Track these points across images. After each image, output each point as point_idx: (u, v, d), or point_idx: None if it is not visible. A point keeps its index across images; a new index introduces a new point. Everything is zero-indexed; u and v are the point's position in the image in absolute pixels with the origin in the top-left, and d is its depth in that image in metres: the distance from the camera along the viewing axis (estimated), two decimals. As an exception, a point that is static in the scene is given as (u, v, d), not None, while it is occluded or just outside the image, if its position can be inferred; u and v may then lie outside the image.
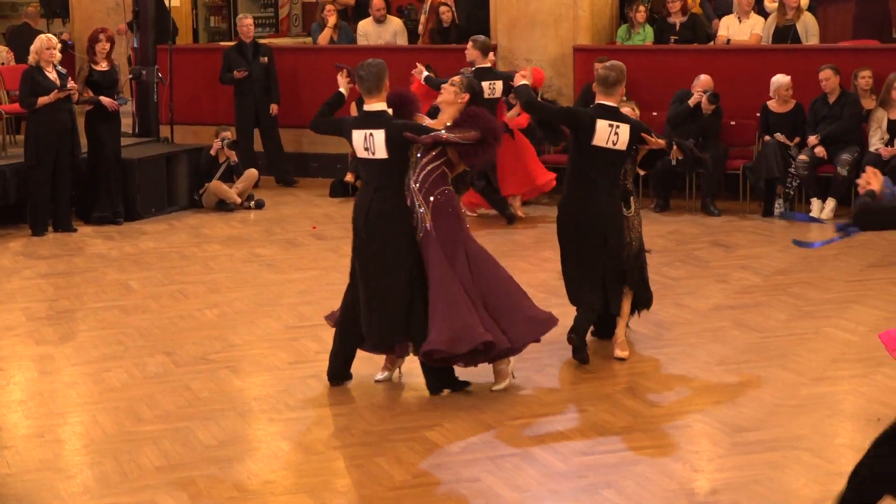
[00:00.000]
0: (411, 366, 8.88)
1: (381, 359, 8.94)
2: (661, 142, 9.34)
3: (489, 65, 14.46)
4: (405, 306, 8.48)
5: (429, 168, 8.51)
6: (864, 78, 14.60)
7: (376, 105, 8.54)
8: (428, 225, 8.48)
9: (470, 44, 14.44)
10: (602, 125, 9.03)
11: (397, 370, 8.91)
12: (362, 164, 8.69)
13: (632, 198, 9.48)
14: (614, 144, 9.03)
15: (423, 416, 8.16)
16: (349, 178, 16.19)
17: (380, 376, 8.87)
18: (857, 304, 10.63)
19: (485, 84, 13.30)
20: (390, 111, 8.56)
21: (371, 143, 8.43)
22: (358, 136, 8.50)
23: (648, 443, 7.67)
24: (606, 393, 8.50)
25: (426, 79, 13.84)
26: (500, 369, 8.68)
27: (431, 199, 8.50)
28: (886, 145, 13.99)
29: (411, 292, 8.47)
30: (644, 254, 9.61)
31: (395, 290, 8.47)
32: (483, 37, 14.89)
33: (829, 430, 7.80)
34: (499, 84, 14.07)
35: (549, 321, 8.81)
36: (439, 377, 8.61)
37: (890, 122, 14.07)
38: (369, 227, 8.52)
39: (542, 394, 8.53)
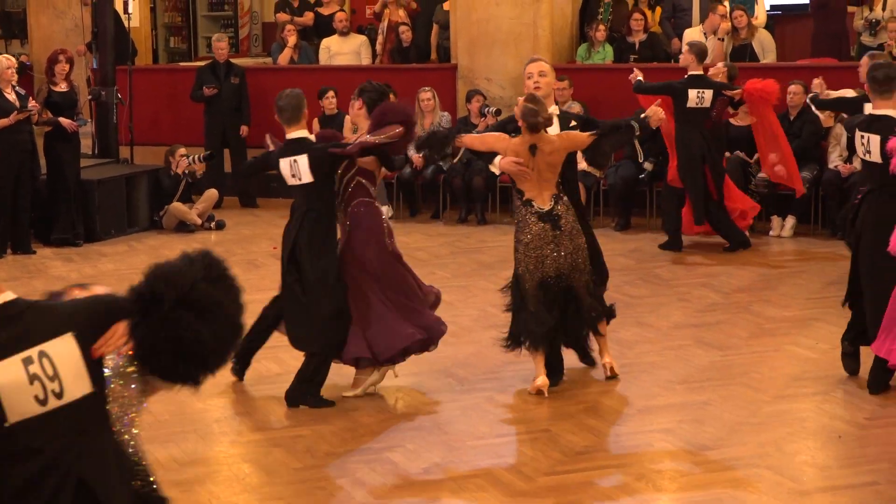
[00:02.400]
0: (392, 383, 8.87)
1: (343, 378, 8.93)
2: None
3: (701, 72, 13.72)
4: (333, 317, 8.71)
5: (345, 181, 8.84)
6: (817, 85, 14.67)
7: (297, 133, 8.85)
8: (347, 237, 8.82)
9: (686, 48, 13.76)
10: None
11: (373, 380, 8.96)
12: (292, 191, 8.88)
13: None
14: None
15: (386, 438, 8.14)
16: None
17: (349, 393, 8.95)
18: (817, 321, 10.67)
19: (692, 92, 13.12)
20: (312, 138, 8.88)
21: (297, 169, 8.70)
22: (284, 164, 8.77)
23: (611, 462, 7.67)
24: (569, 412, 8.50)
25: None
26: (357, 378, 8.93)
27: (349, 210, 8.83)
28: (845, 162, 14.06)
29: (336, 304, 8.72)
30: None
31: (324, 303, 8.70)
32: (701, 42, 14.47)
33: (791, 448, 7.81)
34: (708, 94, 13.49)
35: (412, 335, 8.81)
36: (301, 392, 8.77)
37: (849, 138, 14.13)
38: (300, 248, 8.74)
39: (505, 413, 8.52)
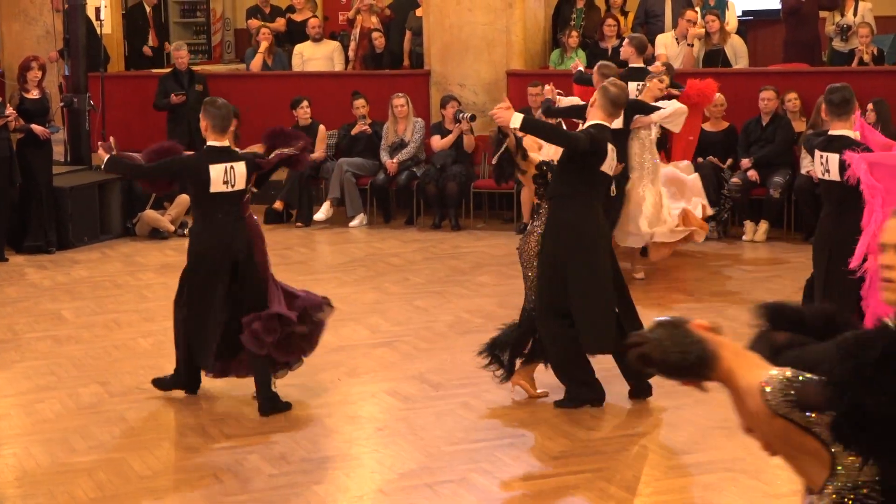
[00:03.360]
0: (348, 393, 8.87)
1: (315, 384, 8.92)
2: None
3: (642, 65, 13.54)
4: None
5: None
6: (791, 101, 14.76)
7: (225, 141, 9.05)
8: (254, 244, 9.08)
9: (626, 41, 13.58)
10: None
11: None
12: (219, 198, 8.90)
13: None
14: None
15: (361, 443, 8.14)
16: (278, 205, 16.16)
17: None
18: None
19: (632, 85, 12.34)
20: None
21: (231, 176, 8.86)
22: (217, 170, 8.87)
23: (586, 467, 7.67)
24: (545, 417, 8.50)
25: None
26: None
27: (247, 218, 9.06)
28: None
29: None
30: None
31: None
32: (641, 35, 14.38)
33: (764, 453, 7.80)
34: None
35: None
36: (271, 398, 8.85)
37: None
38: (242, 253, 8.93)
39: (479, 419, 8.52)
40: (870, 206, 8.29)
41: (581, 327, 8.58)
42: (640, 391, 8.79)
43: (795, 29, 16.71)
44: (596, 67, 12.20)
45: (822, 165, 8.86)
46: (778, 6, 17.19)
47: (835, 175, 8.73)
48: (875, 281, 7.87)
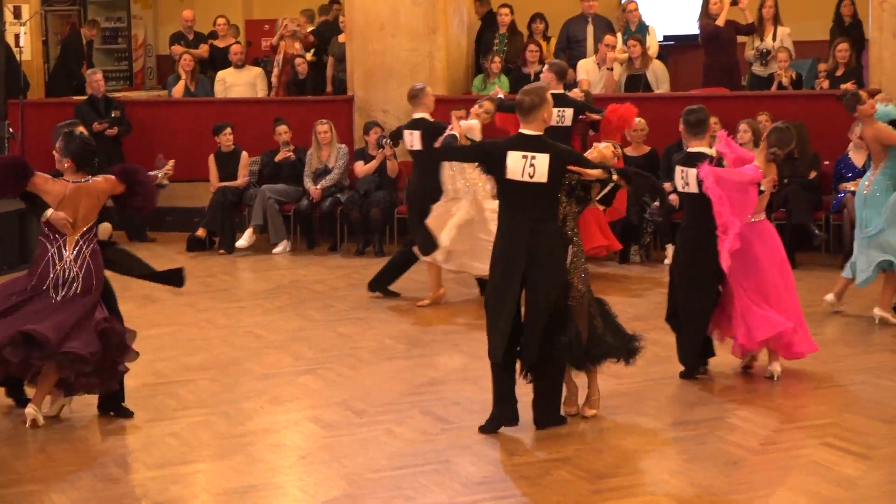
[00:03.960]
0: (272, 421, 8.82)
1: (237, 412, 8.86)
2: (596, 172, 8.60)
3: (562, 90, 13.62)
4: None
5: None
6: (712, 125, 14.83)
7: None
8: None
9: (546, 67, 13.63)
10: (514, 156, 8.54)
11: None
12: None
13: (570, 247, 8.73)
14: (531, 177, 8.49)
15: (284, 471, 8.08)
16: (200, 233, 16.08)
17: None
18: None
19: (553, 110, 12.09)
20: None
21: None
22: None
23: (511, 492, 7.67)
24: (467, 443, 8.49)
25: None
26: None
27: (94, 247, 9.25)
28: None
29: None
30: (595, 305, 9.05)
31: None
32: (561, 61, 14.42)
33: (688, 475, 7.86)
34: (569, 112, 13.46)
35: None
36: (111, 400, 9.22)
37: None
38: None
39: (403, 446, 8.49)
40: (719, 214, 9.47)
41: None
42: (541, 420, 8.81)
43: (714, 54, 16.86)
44: (546, 64, 12.35)
45: (682, 179, 9.77)
46: (698, 31, 17.33)
47: (693, 188, 9.66)
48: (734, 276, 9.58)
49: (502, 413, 8.71)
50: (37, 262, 9.12)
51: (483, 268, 10.93)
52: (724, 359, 10.40)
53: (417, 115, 12.86)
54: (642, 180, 8.95)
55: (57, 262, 9.04)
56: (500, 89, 13.91)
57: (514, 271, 8.55)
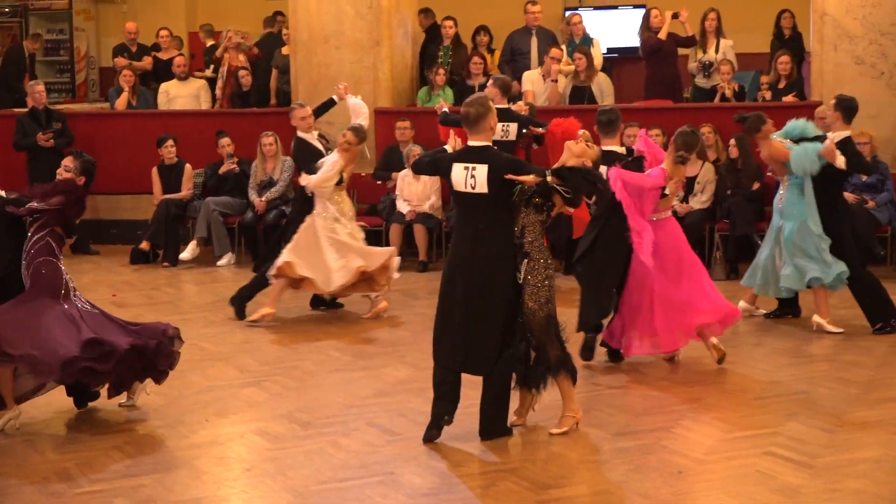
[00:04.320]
0: (217, 434, 8.77)
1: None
2: (530, 178, 8.51)
3: (506, 105, 13.58)
4: None
5: (34, 239, 9.24)
6: (655, 137, 14.95)
7: None
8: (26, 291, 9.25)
9: (490, 81, 13.44)
10: (457, 168, 8.66)
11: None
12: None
13: (525, 260, 8.60)
14: (472, 188, 8.58)
15: (230, 484, 8.05)
16: (144, 245, 16.01)
17: None
18: (657, 358, 10.81)
19: (497, 126, 12.00)
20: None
21: None
22: None
23: (457, 503, 7.67)
24: (413, 455, 8.48)
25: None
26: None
27: (31, 268, 9.20)
28: (682, 202, 14.31)
29: None
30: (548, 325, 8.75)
31: None
32: (505, 76, 14.38)
33: (633, 485, 7.89)
34: (513, 127, 13.39)
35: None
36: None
37: (688, 179, 14.41)
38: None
39: (349, 458, 8.48)
40: (630, 218, 10.13)
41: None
42: None
43: (656, 67, 16.96)
44: (490, 79, 12.36)
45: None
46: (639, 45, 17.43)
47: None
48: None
49: (440, 409, 8.72)
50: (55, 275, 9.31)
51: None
52: (667, 369, 10.47)
53: None
54: (579, 178, 8.63)
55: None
56: (444, 102, 13.92)
57: (458, 280, 8.62)
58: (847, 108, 11.92)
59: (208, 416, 9.49)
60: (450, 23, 17.72)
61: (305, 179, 12.40)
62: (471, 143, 8.72)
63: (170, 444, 8.85)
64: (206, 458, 8.58)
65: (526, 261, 8.56)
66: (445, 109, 13.45)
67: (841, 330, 11.68)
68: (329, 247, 12.31)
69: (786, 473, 7.92)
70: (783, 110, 15.40)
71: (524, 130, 13.46)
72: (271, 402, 9.82)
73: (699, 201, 14.36)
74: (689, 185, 14.45)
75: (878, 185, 14.13)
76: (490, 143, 8.69)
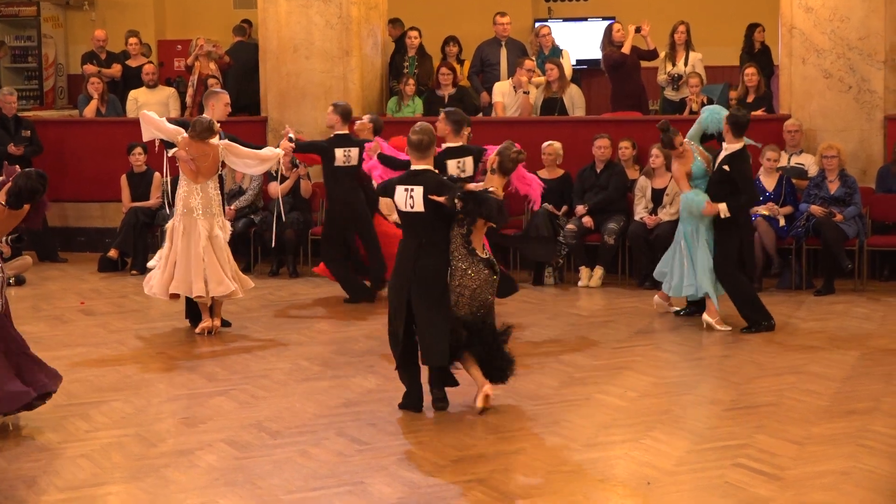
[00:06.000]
0: (185, 442, 8.74)
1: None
2: (442, 199, 9.44)
3: (347, 131, 13.89)
4: None
5: None
6: (624, 149, 15.06)
7: None
8: None
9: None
10: (399, 190, 9.60)
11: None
12: None
13: (449, 268, 9.58)
14: (412, 207, 9.52)
15: (197, 493, 8.01)
16: (112, 253, 15.97)
17: None
18: (626, 369, 10.85)
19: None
20: None
21: None
22: None
23: (425, 513, 7.67)
24: (383, 464, 8.47)
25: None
26: None
27: None
28: (651, 214, 14.36)
29: None
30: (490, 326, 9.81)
31: None
32: (346, 104, 14.18)
33: (601, 496, 7.90)
34: (354, 152, 13.64)
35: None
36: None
37: (654, 191, 14.47)
38: None
39: (318, 467, 8.46)
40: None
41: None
42: None
43: (620, 82, 16.99)
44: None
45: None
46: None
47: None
48: None
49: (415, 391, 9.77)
50: None
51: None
52: (635, 380, 10.49)
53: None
54: (476, 205, 9.42)
55: None
56: (290, 129, 13.79)
57: (403, 288, 9.58)
58: (736, 123, 12.26)
59: (176, 424, 9.46)
60: (414, 33, 17.74)
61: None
62: (414, 167, 9.67)
63: (137, 452, 8.81)
64: (174, 467, 8.54)
65: (450, 268, 9.56)
66: (292, 135, 13.33)
67: (729, 328, 12.30)
68: None
69: (755, 485, 7.94)
70: (753, 124, 15.46)
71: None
72: (240, 411, 9.79)
73: (668, 213, 14.39)
74: (657, 197, 14.50)
75: (845, 198, 14.20)
76: (430, 168, 9.64)
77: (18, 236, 15.27)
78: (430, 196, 9.42)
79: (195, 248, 12.18)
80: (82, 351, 11.82)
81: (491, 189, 9.71)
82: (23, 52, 23.15)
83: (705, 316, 12.40)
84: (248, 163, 12.57)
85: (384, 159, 11.77)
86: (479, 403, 9.59)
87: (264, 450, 8.80)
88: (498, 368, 9.71)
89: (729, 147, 12.24)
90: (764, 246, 14.15)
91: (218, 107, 12.86)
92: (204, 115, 12.84)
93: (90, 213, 17.39)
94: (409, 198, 9.50)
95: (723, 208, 12.05)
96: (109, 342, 12.20)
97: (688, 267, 12.45)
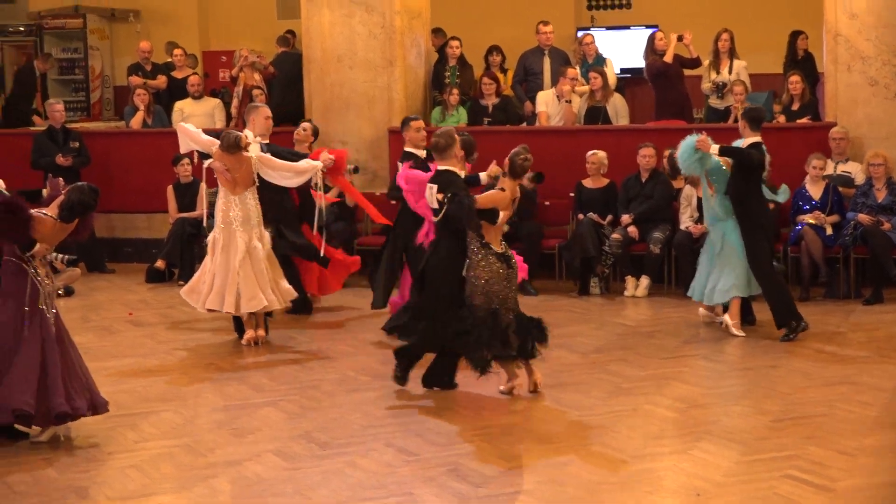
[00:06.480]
0: (234, 453, 8.77)
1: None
2: (440, 196, 10.43)
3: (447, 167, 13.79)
4: None
5: None
6: (668, 157, 15.00)
7: None
8: None
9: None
10: (427, 188, 10.67)
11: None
12: None
13: (467, 261, 10.28)
14: (434, 205, 10.53)
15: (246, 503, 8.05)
16: (160, 264, 16.04)
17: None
18: (673, 380, 10.82)
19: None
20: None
21: None
22: None
23: (475, 524, 7.67)
24: (431, 475, 8.48)
25: None
26: None
27: None
28: (696, 223, 14.31)
29: None
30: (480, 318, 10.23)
31: None
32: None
33: (651, 507, 7.89)
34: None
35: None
36: None
37: (699, 200, 14.41)
38: None
39: (367, 478, 8.47)
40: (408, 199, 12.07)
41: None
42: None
43: (664, 90, 16.93)
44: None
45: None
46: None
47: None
48: None
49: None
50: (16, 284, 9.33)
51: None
52: (683, 391, 10.46)
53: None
54: (451, 204, 10.23)
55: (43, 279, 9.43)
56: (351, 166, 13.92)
57: (426, 280, 10.55)
58: (752, 118, 12.56)
59: (225, 435, 9.49)
60: (455, 43, 17.75)
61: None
62: (438, 167, 10.64)
63: (186, 462, 8.85)
64: (222, 478, 8.57)
65: (467, 261, 10.27)
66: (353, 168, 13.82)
67: (743, 334, 12.40)
68: None
69: (805, 497, 7.90)
70: (797, 132, 15.44)
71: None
72: (288, 421, 9.82)
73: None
74: (701, 205, 14.43)
75: (893, 206, 14.12)
76: (450, 168, 10.50)
77: (73, 259, 15.32)
78: (437, 193, 10.41)
79: (232, 261, 12.21)
80: (130, 361, 11.88)
81: (502, 185, 10.41)
82: (70, 64, 23.32)
83: (725, 316, 12.53)
84: (285, 175, 12.56)
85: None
86: (530, 388, 10.43)
87: (313, 460, 8.82)
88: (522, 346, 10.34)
89: (746, 140, 12.45)
90: (811, 255, 14.08)
91: (258, 121, 12.86)
92: (235, 129, 12.90)
93: (137, 223, 17.47)
94: (432, 195, 10.51)
95: (714, 149, 12.27)
96: (157, 352, 12.26)
97: (720, 273, 12.52)
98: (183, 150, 12.85)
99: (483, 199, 10.30)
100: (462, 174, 10.59)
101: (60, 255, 13.74)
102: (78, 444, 9.36)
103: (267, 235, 12.52)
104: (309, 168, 12.59)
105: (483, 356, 10.16)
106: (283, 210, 13.29)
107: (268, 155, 12.49)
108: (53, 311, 9.46)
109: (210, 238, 12.48)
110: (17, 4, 24.07)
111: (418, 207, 11.98)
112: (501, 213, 10.33)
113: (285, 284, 12.57)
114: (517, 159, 10.40)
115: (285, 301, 12.55)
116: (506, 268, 10.27)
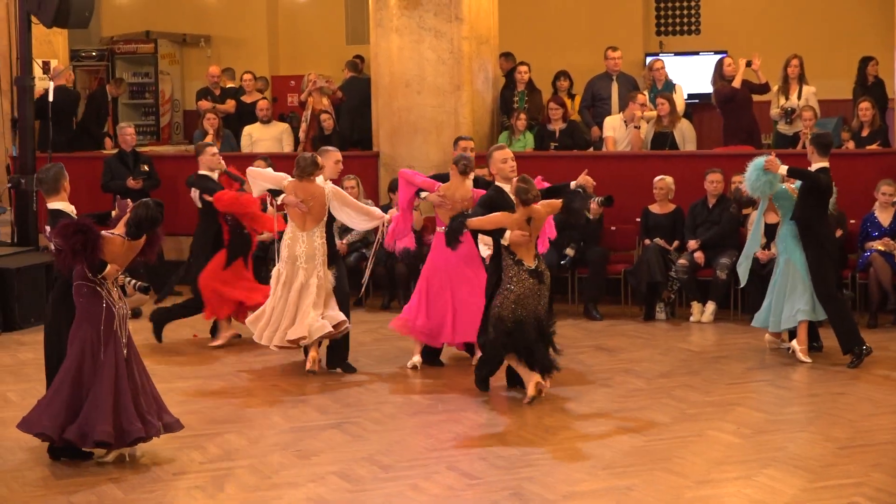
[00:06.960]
0: (297, 475, 8.79)
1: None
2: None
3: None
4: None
5: None
6: (737, 183, 14.92)
7: (56, 203, 9.76)
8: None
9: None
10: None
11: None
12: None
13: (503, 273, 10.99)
14: None
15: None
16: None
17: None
18: (739, 406, 10.75)
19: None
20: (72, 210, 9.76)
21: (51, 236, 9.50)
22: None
23: (537, 549, 7.65)
24: (494, 499, 8.47)
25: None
26: None
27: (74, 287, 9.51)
28: (763, 249, 14.23)
29: None
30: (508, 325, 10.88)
31: None
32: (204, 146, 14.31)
33: (715, 533, 7.84)
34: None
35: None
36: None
37: (767, 226, 14.32)
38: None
39: (429, 501, 8.46)
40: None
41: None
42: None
43: (732, 116, 16.86)
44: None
45: None
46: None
47: None
48: None
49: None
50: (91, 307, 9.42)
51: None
52: (749, 417, 10.39)
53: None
54: (575, 194, 11.41)
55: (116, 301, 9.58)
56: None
57: None
58: (820, 143, 12.52)
59: (289, 457, 9.52)
60: (524, 68, 17.78)
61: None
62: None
63: (251, 484, 8.89)
64: (287, 500, 8.60)
65: (503, 273, 10.99)
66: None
67: (810, 360, 12.36)
68: None
69: (872, 524, 7.84)
70: (867, 158, 15.33)
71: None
72: (352, 443, 9.84)
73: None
74: (770, 232, 14.34)
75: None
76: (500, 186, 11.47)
77: (146, 286, 15.39)
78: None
79: (292, 298, 12.23)
80: (196, 383, 11.95)
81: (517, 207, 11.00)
82: (140, 88, 23.59)
83: (793, 342, 12.51)
84: (352, 214, 12.47)
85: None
86: (531, 392, 10.80)
87: (376, 483, 8.84)
88: (540, 362, 10.93)
89: (815, 166, 12.40)
90: (880, 282, 13.96)
91: (328, 164, 12.78)
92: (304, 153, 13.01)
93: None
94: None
95: (783, 169, 12.27)
96: (223, 374, 12.33)
97: (787, 298, 12.50)
98: (256, 194, 12.85)
99: (485, 220, 11.02)
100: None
101: (133, 280, 13.85)
102: (143, 463, 9.43)
103: (329, 275, 12.44)
104: (378, 217, 12.60)
105: (498, 359, 11.13)
106: (203, 241, 13.97)
107: (343, 191, 12.55)
108: (127, 334, 9.53)
109: (275, 272, 12.51)
110: (90, 29, 24.33)
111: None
112: (517, 231, 10.85)
113: (331, 312, 12.39)
114: (518, 193, 11.03)
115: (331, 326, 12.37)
116: (537, 283, 10.92)
